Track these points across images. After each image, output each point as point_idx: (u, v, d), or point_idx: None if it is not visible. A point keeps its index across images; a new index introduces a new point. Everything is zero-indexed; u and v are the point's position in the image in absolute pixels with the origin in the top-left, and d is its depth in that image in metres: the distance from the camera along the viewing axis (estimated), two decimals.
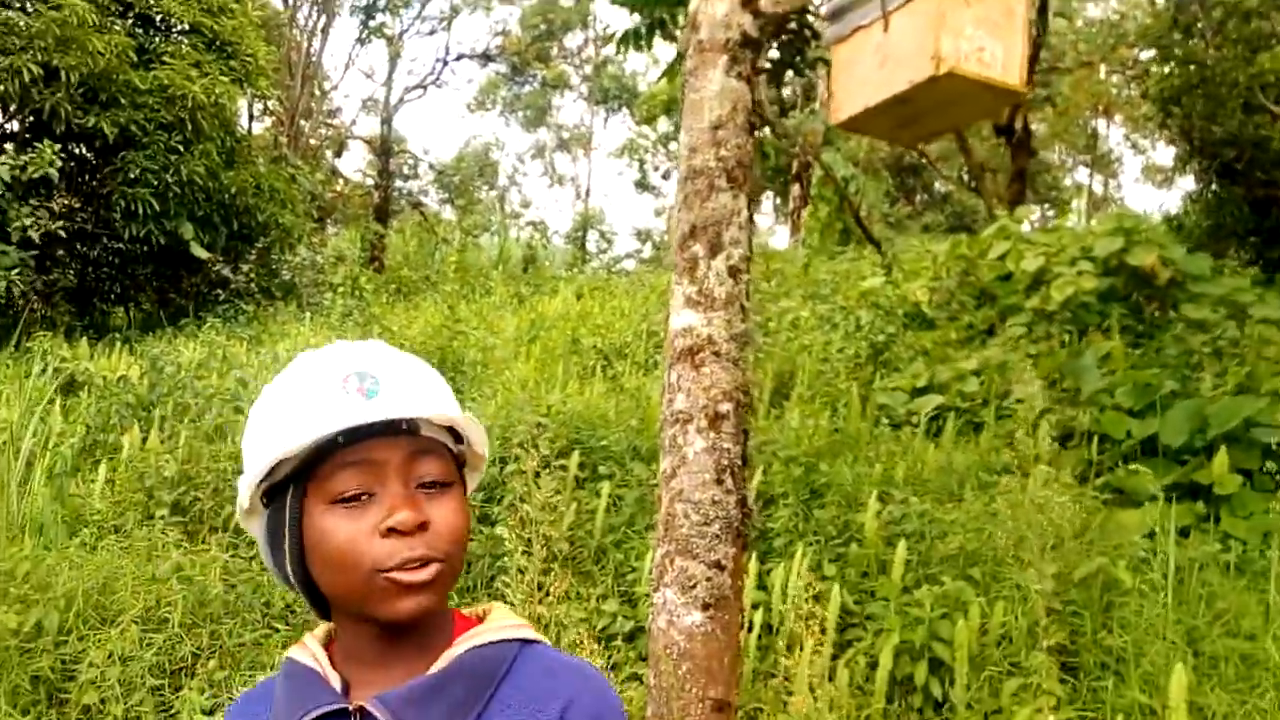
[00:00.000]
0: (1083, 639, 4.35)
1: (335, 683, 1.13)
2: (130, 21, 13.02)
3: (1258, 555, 5.05)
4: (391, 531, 1.05)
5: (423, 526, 1.07)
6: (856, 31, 3.35)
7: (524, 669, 1.14)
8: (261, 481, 1.11)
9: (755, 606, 4.49)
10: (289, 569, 1.13)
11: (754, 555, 4.85)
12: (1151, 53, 12.71)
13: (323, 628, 1.22)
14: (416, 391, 1.12)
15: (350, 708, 1.10)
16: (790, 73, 6.20)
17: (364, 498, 1.07)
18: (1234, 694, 4.00)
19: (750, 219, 3.67)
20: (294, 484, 1.09)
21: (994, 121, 11.46)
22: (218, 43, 13.65)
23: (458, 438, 1.19)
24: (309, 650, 1.17)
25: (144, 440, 6.14)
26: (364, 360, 1.12)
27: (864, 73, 3.33)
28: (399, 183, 28.63)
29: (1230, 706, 3.93)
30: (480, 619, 1.20)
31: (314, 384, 1.10)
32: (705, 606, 3.44)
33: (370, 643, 1.13)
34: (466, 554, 1.15)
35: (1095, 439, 6.13)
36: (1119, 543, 4.84)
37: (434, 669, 1.11)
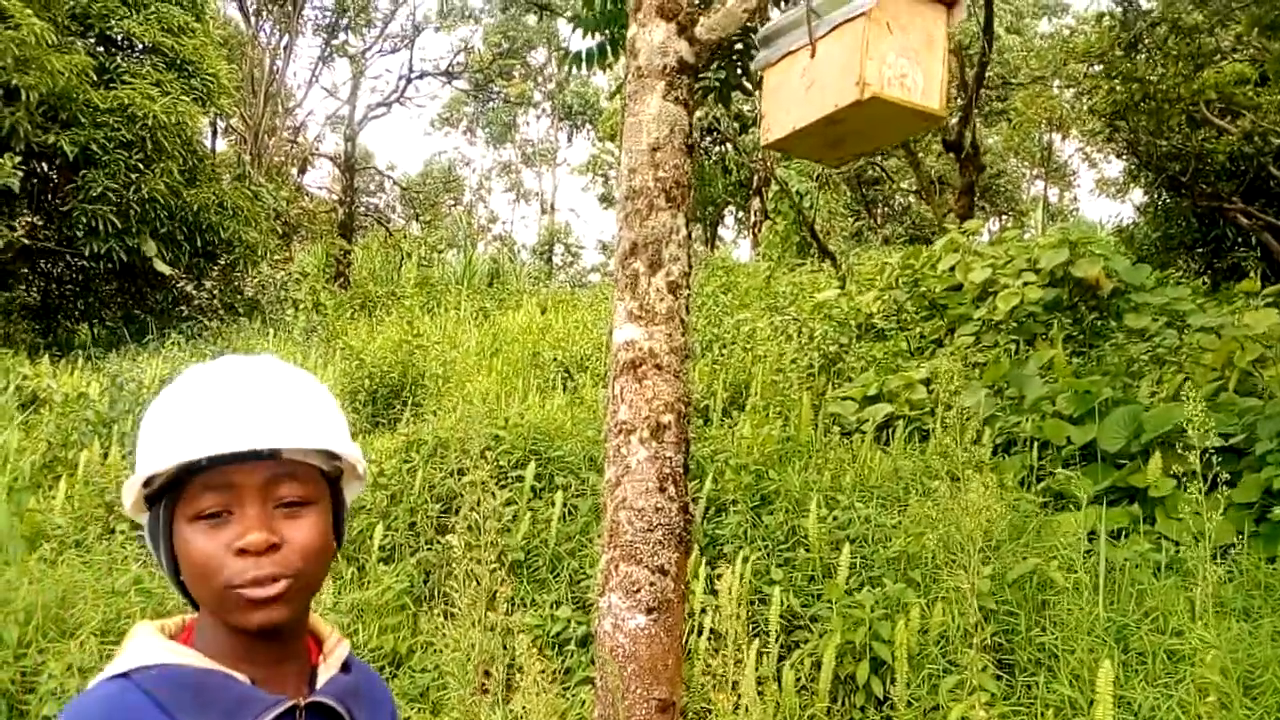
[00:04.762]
0: (1017, 637, 4.50)
1: (248, 682, 1.17)
2: (91, 41, 13.08)
3: (1188, 555, 5.20)
4: (243, 551, 1.12)
5: (274, 547, 1.13)
6: (785, 57, 3.50)
7: (364, 667, 1.36)
8: (143, 488, 1.17)
9: (704, 611, 4.61)
10: (165, 569, 1.21)
11: (703, 561, 4.98)
12: (1099, 68, 13.00)
13: (164, 625, 1.24)
14: (283, 419, 1.16)
15: (301, 704, 1.18)
16: (738, 92, 6.39)
17: (224, 515, 1.13)
18: (1160, 688, 4.14)
19: (689, 236, 3.81)
20: (166, 495, 1.17)
21: (944, 138, 11.71)
22: (179, 62, 13.72)
23: (334, 454, 1.23)
24: (180, 653, 1.18)
25: (104, 456, 6.20)
26: (238, 384, 1.17)
27: (792, 96, 3.48)
28: (364, 199, 28.67)
29: (1155, 700, 4.07)
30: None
31: (188, 405, 1.15)
32: (649, 610, 3.57)
33: (257, 643, 1.18)
34: (327, 568, 1.22)
35: (1037, 445, 6.29)
36: (1054, 544, 5.00)
37: (333, 669, 1.27)
